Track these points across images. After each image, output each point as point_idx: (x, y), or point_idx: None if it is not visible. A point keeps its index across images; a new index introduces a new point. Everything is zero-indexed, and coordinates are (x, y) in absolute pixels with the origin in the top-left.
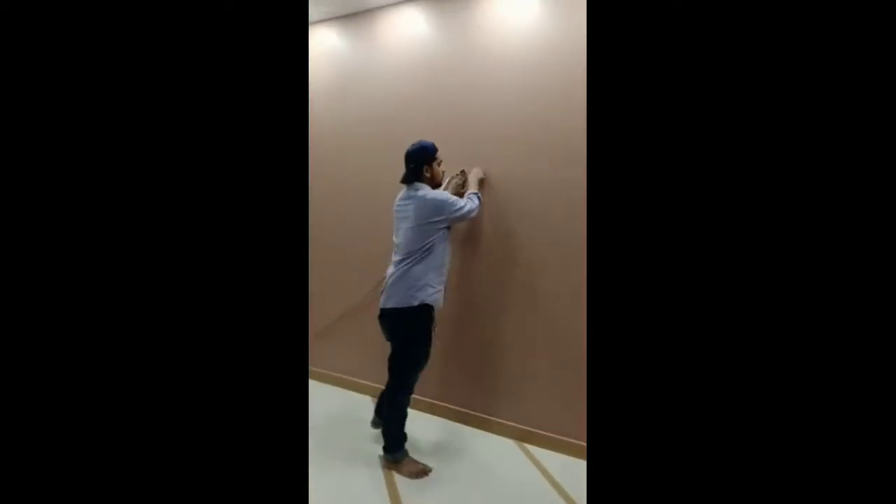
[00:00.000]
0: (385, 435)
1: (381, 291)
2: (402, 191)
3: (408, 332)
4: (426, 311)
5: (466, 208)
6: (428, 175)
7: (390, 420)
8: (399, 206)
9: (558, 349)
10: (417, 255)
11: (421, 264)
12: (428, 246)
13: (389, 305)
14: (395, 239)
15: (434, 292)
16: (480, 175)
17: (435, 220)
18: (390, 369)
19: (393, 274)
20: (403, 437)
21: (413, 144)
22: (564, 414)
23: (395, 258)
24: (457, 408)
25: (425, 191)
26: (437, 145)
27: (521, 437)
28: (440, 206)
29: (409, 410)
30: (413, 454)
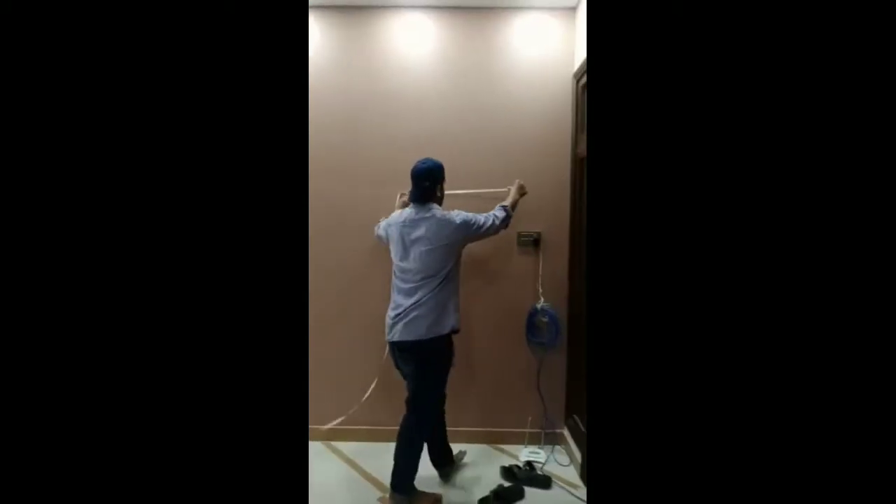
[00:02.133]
0: (397, 473)
1: (397, 318)
2: (406, 211)
3: (437, 361)
4: (451, 335)
5: (488, 223)
6: (439, 194)
7: (408, 455)
8: (406, 227)
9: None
10: (439, 280)
11: (446, 290)
12: (450, 268)
13: (414, 337)
14: (401, 263)
15: (458, 316)
16: (521, 189)
17: (457, 241)
18: (414, 403)
19: (416, 303)
20: (415, 472)
21: (423, 161)
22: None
23: (408, 284)
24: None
25: (440, 210)
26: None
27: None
28: (462, 226)
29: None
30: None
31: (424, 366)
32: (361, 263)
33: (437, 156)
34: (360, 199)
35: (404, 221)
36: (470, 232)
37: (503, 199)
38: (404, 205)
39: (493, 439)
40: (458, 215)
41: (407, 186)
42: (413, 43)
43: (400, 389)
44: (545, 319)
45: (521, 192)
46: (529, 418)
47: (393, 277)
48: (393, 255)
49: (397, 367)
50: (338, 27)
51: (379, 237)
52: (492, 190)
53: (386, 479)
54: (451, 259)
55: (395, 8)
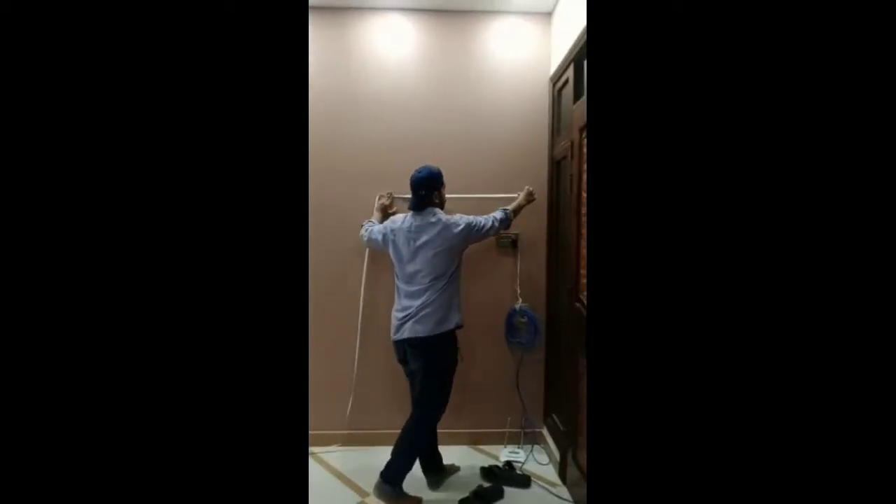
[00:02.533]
0: (391, 466)
1: (405, 318)
2: (408, 217)
3: (444, 356)
4: (455, 333)
5: (488, 225)
6: (437, 200)
7: (407, 452)
8: (411, 233)
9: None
10: (445, 280)
11: (450, 289)
12: (454, 269)
13: (423, 334)
14: (407, 268)
15: (461, 313)
16: (529, 196)
17: (460, 244)
18: (421, 400)
19: (424, 303)
20: (408, 471)
21: (419, 170)
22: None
23: (415, 286)
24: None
25: (444, 215)
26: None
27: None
28: (465, 229)
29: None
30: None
31: (433, 361)
32: (340, 264)
33: (415, 158)
34: (334, 199)
35: (409, 228)
36: (472, 234)
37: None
38: (383, 207)
39: (473, 440)
40: (461, 219)
41: (384, 187)
42: (392, 45)
43: (378, 394)
44: (524, 320)
45: (530, 198)
46: (509, 418)
47: (396, 280)
48: (395, 259)
49: (404, 362)
50: (316, 28)
51: (373, 240)
52: (502, 195)
53: (363, 482)
54: (456, 260)
55: (373, 10)
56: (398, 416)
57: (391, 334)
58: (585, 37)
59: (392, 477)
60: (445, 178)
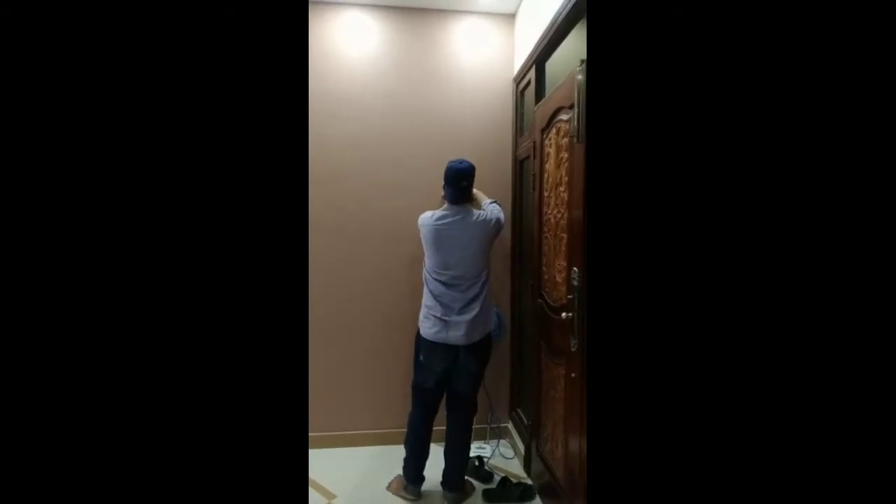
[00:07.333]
0: (462, 471)
1: (458, 322)
2: (442, 211)
3: (486, 359)
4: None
5: (502, 222)
6: (471, 195)
7: (466, 452)
8: (444, 227)
9: None
10: (483, 281)
11: (487, 290)
12: (488, 270)
13: (477, 338)
14: (439, 267)
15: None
16: None
17: (491, 240)
18: (469, 403)
19: (475, 305)
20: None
21: (459, 161)
22: None
23: (452, 288)
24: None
25: (478, 213)
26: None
27: None
28: (496, 224)
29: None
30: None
31: (482, 364)
32: None
33: (379, 157)
34: None
35: (442, 222)
36: (497, 230)
37: None
38: None
39: (440, 437)
40: (491, 214)
41: (342, 186)
42: (353, 42)
43: (336, 396)
44: None
45: None
46: (476, 414)
47: (430, 279)
48: (436, 257)
49: (442, 363)
50: None
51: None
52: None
53: (331, 485)
54: (487, 258)
55: (333, 4)
56: (356, 417)
57: (428, 335)
58: (547, 38)
59: (457, 482)
60: (409, 178)
